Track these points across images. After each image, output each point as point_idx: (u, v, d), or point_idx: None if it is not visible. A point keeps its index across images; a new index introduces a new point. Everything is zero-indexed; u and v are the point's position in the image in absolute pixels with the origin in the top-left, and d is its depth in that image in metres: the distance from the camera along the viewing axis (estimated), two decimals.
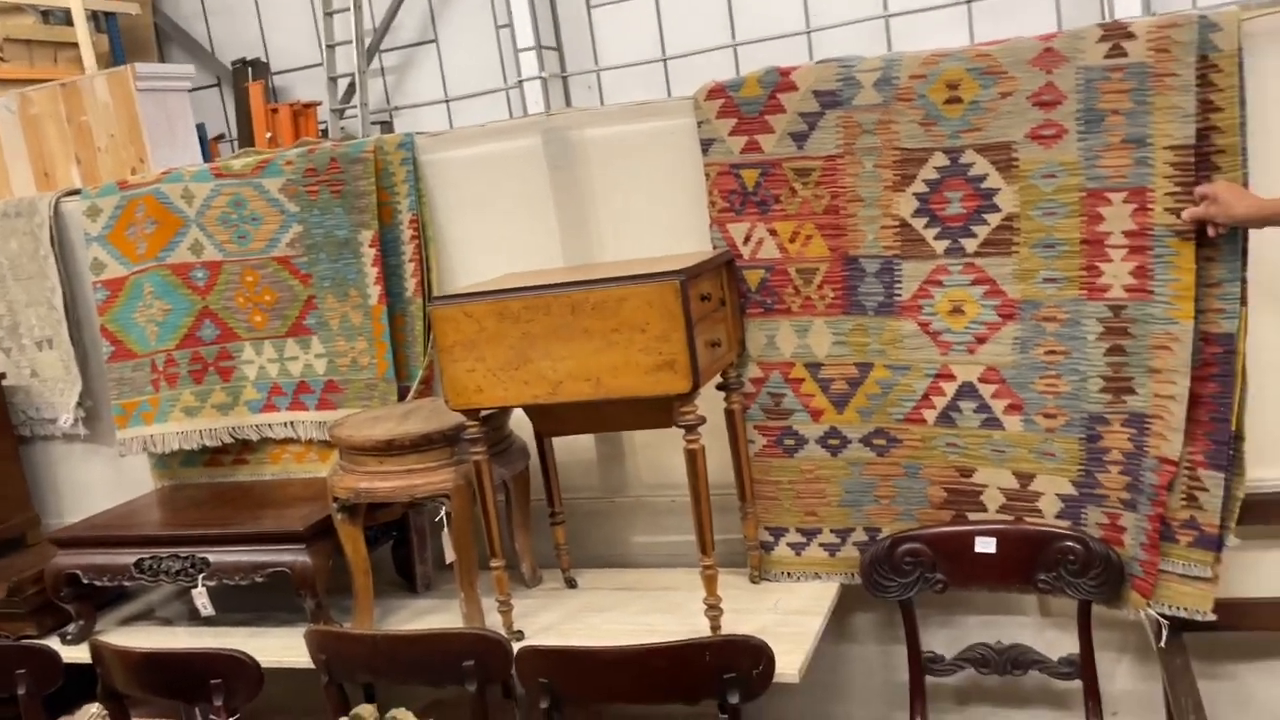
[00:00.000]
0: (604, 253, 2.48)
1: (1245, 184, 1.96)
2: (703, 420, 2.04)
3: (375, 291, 2.61)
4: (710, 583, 2.10)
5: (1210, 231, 1.95)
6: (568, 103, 6.17)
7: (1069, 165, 2.08)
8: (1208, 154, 1.99)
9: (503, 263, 2.49)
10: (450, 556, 2.30)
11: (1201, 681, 2.07)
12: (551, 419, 2.28)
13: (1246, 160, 1.96)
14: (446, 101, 6.39)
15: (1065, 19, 5.15)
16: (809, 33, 5.81)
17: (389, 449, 2.24)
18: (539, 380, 2.05)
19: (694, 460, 2.05)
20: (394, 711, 2.12)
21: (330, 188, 2.63)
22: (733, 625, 2.11)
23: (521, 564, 2.53)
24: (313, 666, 2.18)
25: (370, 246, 2.60)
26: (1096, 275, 2.09)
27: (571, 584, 2.51)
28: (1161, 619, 2.05)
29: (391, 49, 6.72)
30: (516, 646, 2.04)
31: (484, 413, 2.18)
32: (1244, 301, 1.98)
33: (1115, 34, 2.02)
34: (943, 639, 2.32)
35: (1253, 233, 1.96)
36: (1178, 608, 2.06)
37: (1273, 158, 1.99)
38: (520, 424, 2.39)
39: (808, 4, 5.80)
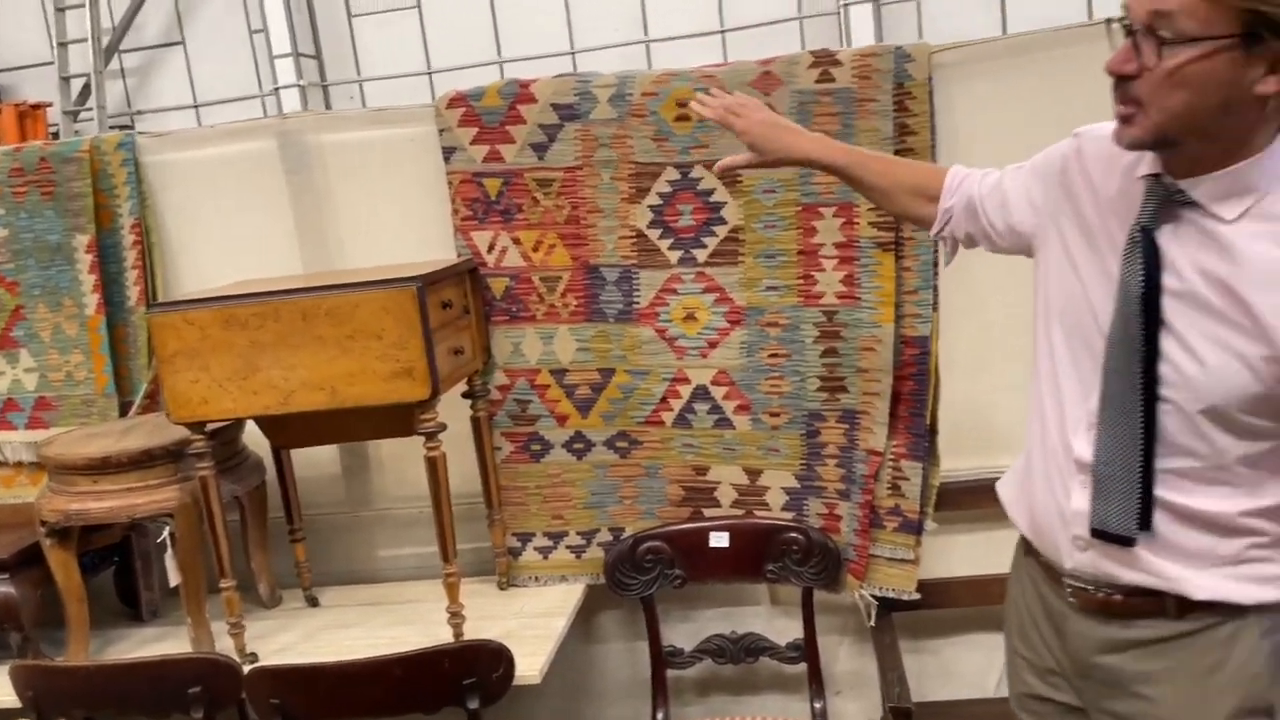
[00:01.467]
0: (344, 260, 2.43)
1: None
2: (443, 427, 2.03)
3: (92, 300, 2.44)
4: (452, 590, 2.09)
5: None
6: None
7: (786, 182, 2.24)
8: None
9: (236, 270, 2.38)
10: (175, 579, 2.18)
11: (909, 656, 2.26)
12: (286, 431, 2.21)
13: None
14: (195, 107, 6.04)
15: (809, 45, 5.52)
16: (574, 53, 5.94)
17: (104, 467, 2.10)
18: (269, 390, 1.98)
19: (434, 468, 2.04)
20: None
21: (40, 189, 2.44)
22: (477, 632, 2.11)
23: (259, 584, 2.42)
24: (20, 705, 2.00)
25: (86, 252, 2.43)
26: (812, 283, 2.26)
27: (313, 602, 2.43)
28: (873, 600, 2.23)
29: (134, 49, 6.29)
30: (248, 668, 1.96)
31: (211, 426, 2.08)
32: (935, 307, 2.19)
33: (824, 61, 2.19)
34: (684, 633, 2.42)
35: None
36: (887, 589, 2.25)
37: None
38: (258, 438, 2.30)
39: (572, 25, 5.93)
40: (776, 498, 2.33)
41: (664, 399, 2.35)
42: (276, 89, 5.86)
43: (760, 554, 2.28)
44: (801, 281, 2.26)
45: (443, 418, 2.04)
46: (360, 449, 2.52)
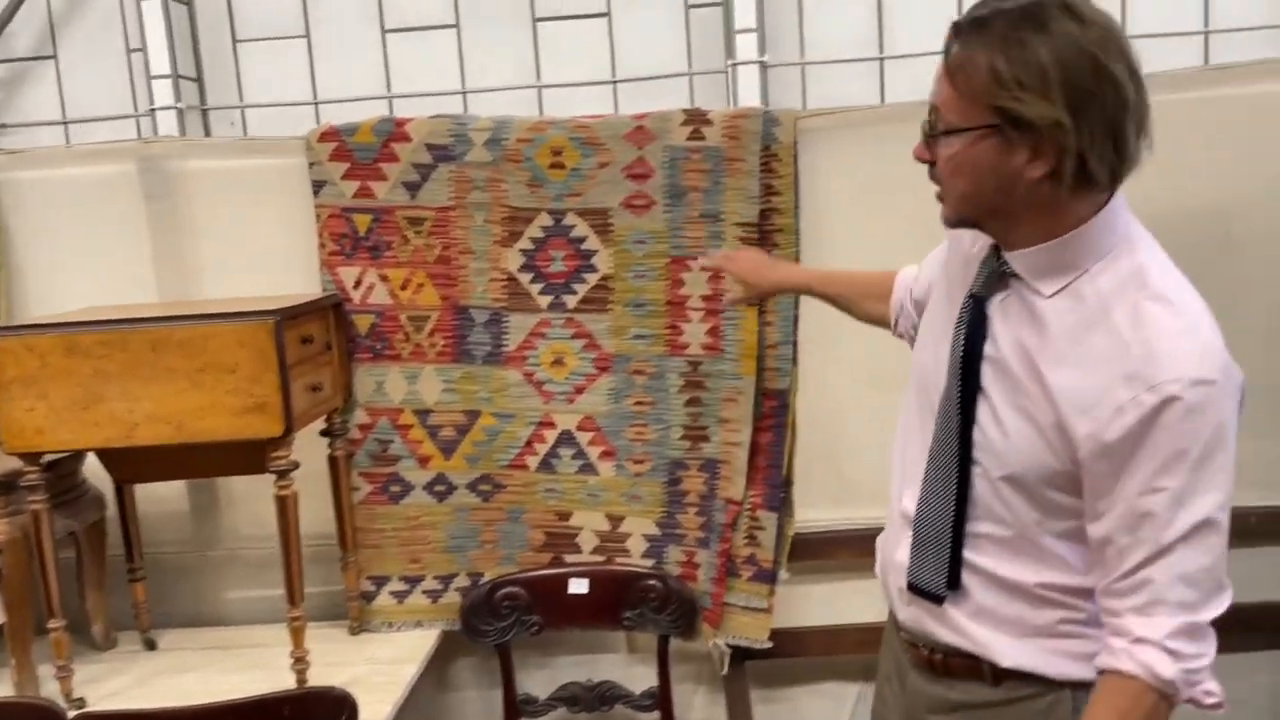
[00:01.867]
0: (203, 291, 2.36)
1: (797, 259, 2.24)
2: (295, 466, 1.98)
3: None
4: (298, 634, 2.03)
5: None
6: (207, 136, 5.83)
7: (657, 234, 2.28)
8: (769, 232, 2.26)
9: (88, 296, 2.29)
10: (0, 618, 2.05)
11: (761, 705, 2.29)
12: (129, 465, 2.12)
13: (799, 239, 2.25)
14: (65, 124, 5.81)
15: (699, 100, 5.66)
16: (465, 93, 5.95)
17: None
18: (111, 422, 1.90)
19: (285, 507, 1.99)
20: None
21: None
22: (324, 678, 2.04)
23: (93, 625, 2.30)
24: None
25: None
26: (679, 334, 2.30)
27: (151, 645, 2.32)
28: (726, 648, 2.26)
29: (2, 61, 6.03)
30: (72, 714, 1.85)
31: (48, 458, 1.98)
32: (795, 362, 2.26)
33: (696, 119, 2.25)
34: (540, 680, 2.39)
35: (802, 303, 2.23)
36: (741, 637, 2.27)
37: (821, 237, 2.27)
38: (102, 471, 2.20)
39: (464, 66, 5.95)
40: (637, 545, 2.34)
41: (529, 443, 2.35)
42: (153, 110, 5.69)
43: (619, 601, 2.29)
44: (669, 331, 2.30)
45: (300, 456, 1.99)
46: (210, 486, 2.43)
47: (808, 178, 2.26)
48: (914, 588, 1.34)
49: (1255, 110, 2.17)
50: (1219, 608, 1.18)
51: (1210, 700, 1.18)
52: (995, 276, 1.28)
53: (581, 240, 2.30)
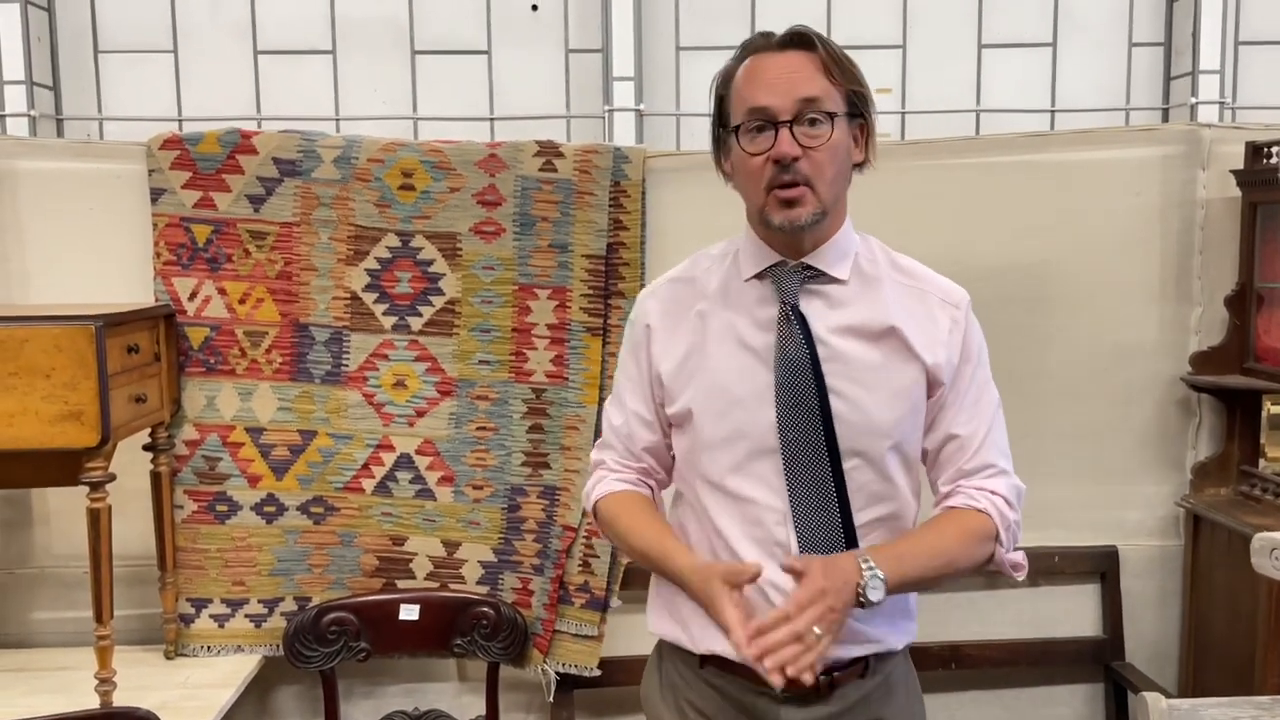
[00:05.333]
0: (28, 296, 2.26)
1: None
2: (111, 478, 1.91)
3: None
4: (104, 655, 1.93)
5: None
6: None
7: (505, 260, 2.30)
8: (616, 265, 2.31)
9: None
10: None
11: None
12: None
13: (645, 273, 2.31)
14: None
15: (575, 136, 5.74)
16: (338, 120, 5.89)
17: None
18: None
19: (96, 520, 1.90)
20: None
21: None
22: (133, 701, 1.94)
23: None
24: None
25: None
26: (524, 360, 2.32)
27: None
28: (555, 675, 2.25)
29: None
30: None
31: None
32: None
33: (549, 151, 2.30)
34: (365, 709, 2.34)
35: None
36: (570, 665, 2.28)
37: (664, 272, 2.34)
38: None
39: (339, 92, 5.89)
40: (473, 571, 2.33)
41: (366, 465, 2.31)
42: (3, 115, 5.43)
43: (450, 627, 2.26)
44: (514, 358, 2.31)
45: (121, 471, 1.92)
46: (22, 500, 2.31)
47: (654, 213, 2.33)
48: None
49: (1079, 173, 2.36)
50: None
51: (1020, 574, 1.41)
52: (797, 282, 1.36)
53: (429, 263, 2.30)
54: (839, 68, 1.33)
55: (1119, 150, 2.41)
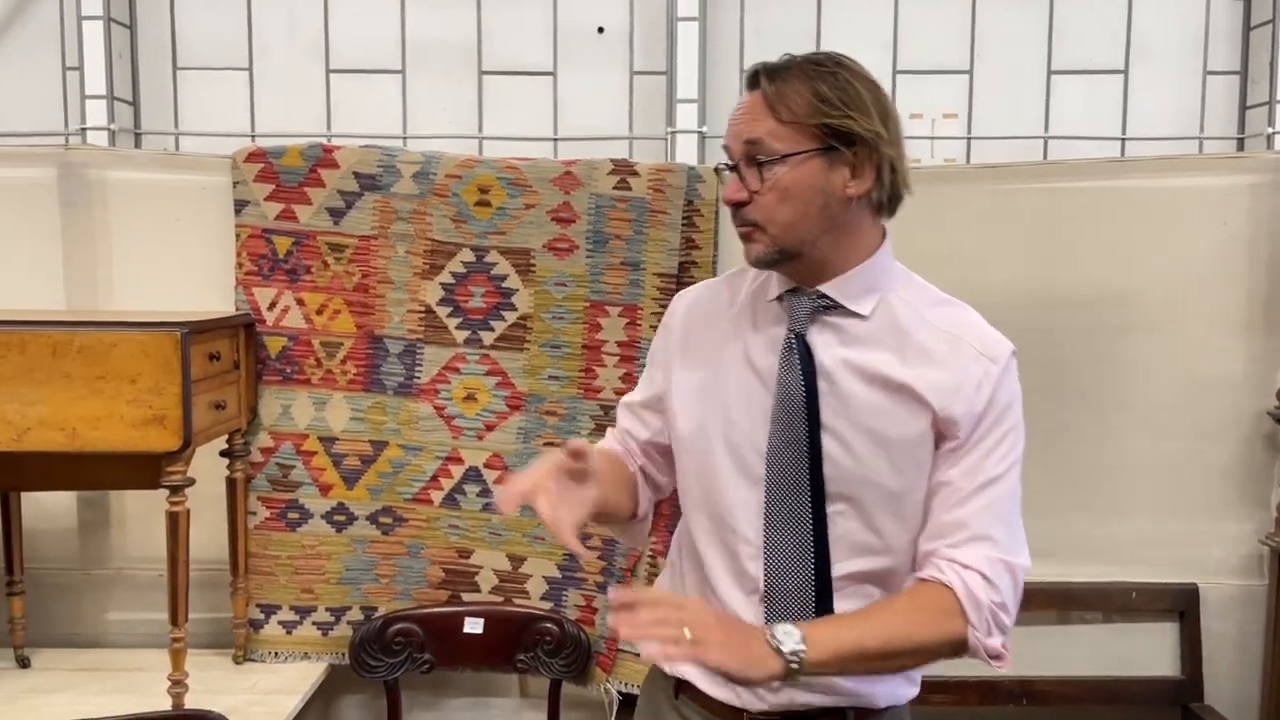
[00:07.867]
0: (113, 302, 2.32)
1: None
2: (190, 482, 1.94)
3: None
4: (177, 657, 1.96)
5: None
6: None
7: (578, 277, 2.31)
8: (687, 283, 2.29)
9: None
10: None
11: None
12: (17, 471, 2.05)
13: None
14: None
15: (637, 157, 5.76)
16: (405, 138, 5.98)
17: None
18: (1, 425, 1.85)
19: (175, 523, 1.94)
20: None
21: None
22: (203, 705, 1.96)
23: None
24: None
25: None
26: (593, 377, 2.32)
27: (24, 663, 2.22)
28: (619, 694, 2.24)
29: None
30: None
31: None
32: None
33: (623, 170, 2.31)
34: None
35: None
36: (633, 684, 2.26)
37: None
38: None
39: (407, 110, 5.99)
40: (537, 586, 2.33)
41: (435, 477, 2.33)
42: (83, 129, 5.61)
43: (514, 642, 2.26)
44: (583, 374, 2.32)
45: (198, 477, 1.96)
46: (101, 503, 2.36)
47: (726, 233, 2.32)
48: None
49: (1158, 201, 2.31)
50: (1025, 553, 1.27)
51: (999, 664, 1.24)
52: (809, 311, 1.30)
53: (503, 278, 2.32)
54: (788, 105, 1.23)
55: (1200, 178, 2.36)
